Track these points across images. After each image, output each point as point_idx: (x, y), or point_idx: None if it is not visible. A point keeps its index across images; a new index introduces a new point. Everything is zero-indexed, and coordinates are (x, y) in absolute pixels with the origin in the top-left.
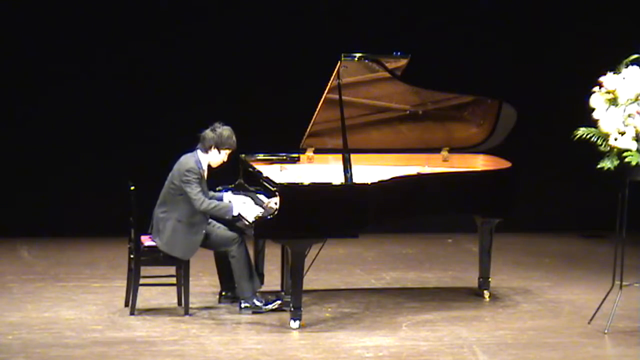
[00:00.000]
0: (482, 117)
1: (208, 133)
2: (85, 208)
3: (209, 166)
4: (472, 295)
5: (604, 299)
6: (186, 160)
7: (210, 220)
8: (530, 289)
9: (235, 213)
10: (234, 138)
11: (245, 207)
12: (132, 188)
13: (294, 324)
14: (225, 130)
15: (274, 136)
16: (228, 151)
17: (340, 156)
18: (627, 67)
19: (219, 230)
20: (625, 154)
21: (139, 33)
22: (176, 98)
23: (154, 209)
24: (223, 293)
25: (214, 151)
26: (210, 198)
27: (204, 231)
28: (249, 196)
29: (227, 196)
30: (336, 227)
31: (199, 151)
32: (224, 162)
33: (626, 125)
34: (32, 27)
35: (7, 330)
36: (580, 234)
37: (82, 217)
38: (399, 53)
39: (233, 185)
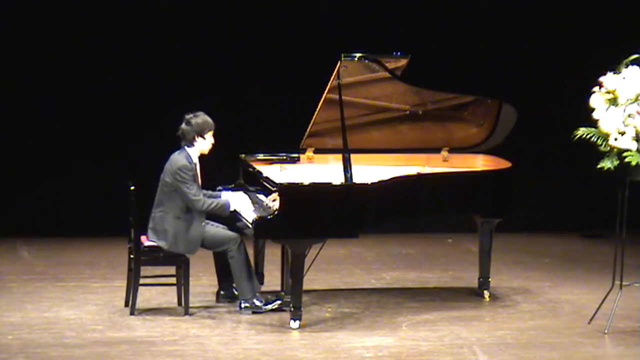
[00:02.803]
0: (482, 117)
1: (184, 128)
2: (85, 208)
3: (202, 155)
4: (472, 295)
5: (604, 299)
6: (176, 159)
7: (209, 220)
8: (530, 289)
9: (232, 208)
10: (209, 119)
11: (241, 202)
12: (132, 188)
13: (294, 324)
14: (198, 117)
15: (274, 136)
16: (211, 133)
17: (340, 156)
18: (627, 67)
19: (218, 230)
20: (625, 154)
21: (139, 34)
22: (176, 98)
23: (151, 210)
24: (221, 292)
25: (199, 140)
26: (208, 197)
27: (203, 223)
28: (249, 195)
29: (225, 194)
30: (336, 227)
31: (185, 147)
32: (212, 144)
33: (626, 125)
34: (32, 29)
35: (7, 330)
36: (580, 234)
37: (82, 217)
38: (399, 53)
39: (233, 185)
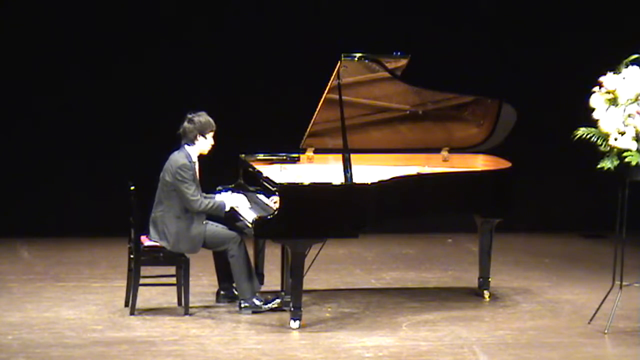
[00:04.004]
0: (482, 117)
1: (187, 126)
2: (85, 208)
3: (202, 155)
4: (472, 295)
5: (604, 299)
6: (176, 158)
7: (208, 220)
8: (530, 289)
9: (227, 208)
10: (211, 120)
11: (237, 202)
12: (132, 188)
13: (294, 324)
14: (201, 117)
15: (274, 136)
16: (212, 133)
17: (340, 156)
18: (627, 67)
19: (219, 229)
20: (625, 154)
21: (139, 33)
22: (176, 98)
23: (152, 209)
24: (221, 292)
25: (200, 139)
26: (205, 198)
27: (204, 223)
28: (248, 196)
29: (221, 195)
30: (336, 227)
31: (185, 146)
32: (213, 146)
33: (626, 125)
34: (33, 29)
35: (7, 330)
36: (580, 234)
37: (82, 217)
38: (399, 53)
39: (233, 185)
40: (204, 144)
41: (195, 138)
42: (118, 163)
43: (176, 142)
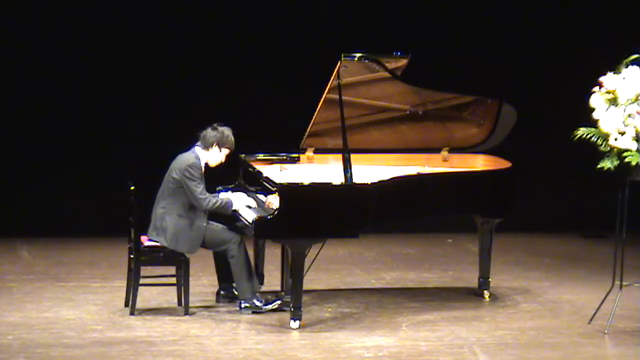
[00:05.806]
0: (482, 117)
1: (209, 132)
2: (85, 208)
3: (206, 165)
4: (472, 295)
5: (604, 299)
6: (185, 157)
7: (209, 220)
8: (530, 289)
9: (235, 207)
10: (233, 138)
11: (242, 202)
12: (132, 188)
13: (294, 324)
14: (226, 130)
15: (274, 136)
16: (227, 151)
17: (340, 156)
18: (627, 67)
19: (219, 229)
20: (625, 154)
21: (139, 33)
22: (176, 98)
23: (152, 208)
24: (221, 292)
25: (214, 149)
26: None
27: (205, 223)
28: (249, 196)
29: (225, 194)
30: (336, 227)
31: (197, 148)
32: (221, 162)
33: (626, 125)
34: (32, 28)
35: (7, 330)
36: (580, 234)
37: (82, 217)
38: (399, 53)
39: (233, 185)
40: (215, 156)
41: (212, 146)
42: (118, 163)
43: (176, 142)
